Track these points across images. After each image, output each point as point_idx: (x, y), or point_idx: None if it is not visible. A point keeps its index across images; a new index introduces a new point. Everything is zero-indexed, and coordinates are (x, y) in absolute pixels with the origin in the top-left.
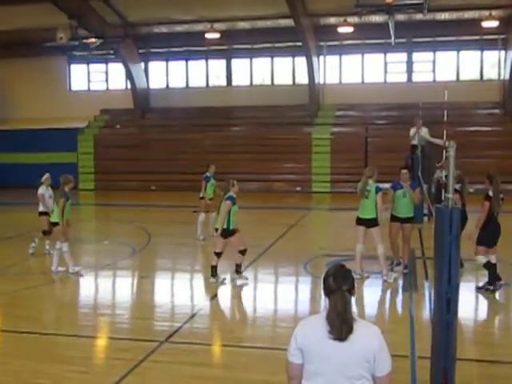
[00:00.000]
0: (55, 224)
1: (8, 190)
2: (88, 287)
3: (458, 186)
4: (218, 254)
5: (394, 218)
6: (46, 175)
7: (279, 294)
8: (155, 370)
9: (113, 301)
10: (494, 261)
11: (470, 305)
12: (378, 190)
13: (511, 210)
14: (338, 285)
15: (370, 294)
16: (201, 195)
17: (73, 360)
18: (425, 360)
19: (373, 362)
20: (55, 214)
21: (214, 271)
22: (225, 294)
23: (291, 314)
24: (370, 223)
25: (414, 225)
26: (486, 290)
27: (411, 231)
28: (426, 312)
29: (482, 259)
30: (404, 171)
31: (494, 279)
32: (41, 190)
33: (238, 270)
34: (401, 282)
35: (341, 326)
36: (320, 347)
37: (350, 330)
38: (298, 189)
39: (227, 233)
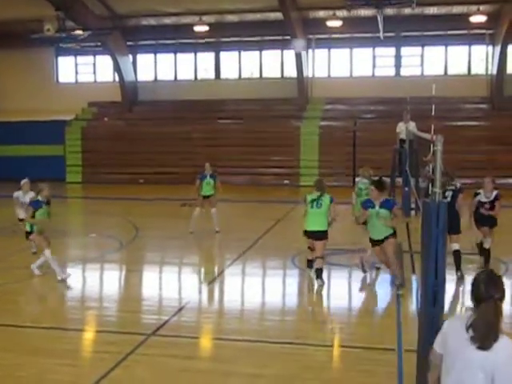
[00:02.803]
0: (28, 233)
1: None
2: (75, 280)
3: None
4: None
5: (371, 242)
6: (25, 180)
7: (267, 288)
8: (142, 363)
9: (100, 294)
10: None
11: (456, 298)
12: (331, 200)
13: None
14: (490, 293)
15: (357, 288)
16: (198, 193)
17: (60, 353)
18: (411, 353)
19: (500, 374)
20: (27, 223)
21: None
22: (212, 287)
23: (279, 307)
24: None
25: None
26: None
27: (395, 248)
28: (412, 306)
29: None
30: (372, 188)
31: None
32: (15, 194)
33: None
34: (389, 277)
35: (488, 335)
36: (460, 349)
37: (495, 340)
38: (286, 182)
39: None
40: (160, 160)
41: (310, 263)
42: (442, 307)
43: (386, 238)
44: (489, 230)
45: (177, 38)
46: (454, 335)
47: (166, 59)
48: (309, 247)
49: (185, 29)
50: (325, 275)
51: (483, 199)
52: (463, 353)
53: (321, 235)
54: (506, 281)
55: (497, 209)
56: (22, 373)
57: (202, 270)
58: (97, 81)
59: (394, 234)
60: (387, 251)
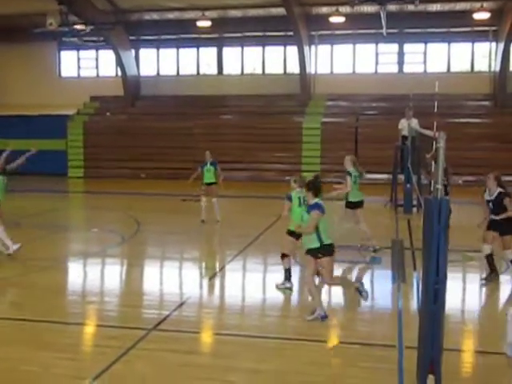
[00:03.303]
0: None
1: None
2: (77, 275)
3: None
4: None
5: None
6: None
7: (268, 283)
8: (143, 357)
9: (101, 288)
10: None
11: (458, 295)
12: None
13: None
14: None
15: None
16: (191, 180)
17: (61, 347)
18: (412, 350)
19: None
20: None
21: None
22: (213, 282)
23: (279, 303)
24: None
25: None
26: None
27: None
28: (413, 302)
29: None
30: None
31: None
32: None
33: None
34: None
35: None
36: None
37: None
38: (288, 178)
39: None
40: (162, 155)
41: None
42: (443, 304)
43: (309, 251)
44: (499, 237)
45: (179, 33)
46: None
47: (168, 54)
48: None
49: (187, 24)
50: None
51: (487, 197)
52: None
53: None
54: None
55: (504, 212)
56: (24, 366)
57: (203, 265)
58: (99, 75)
59: (320, 250)
60: (322, 273)
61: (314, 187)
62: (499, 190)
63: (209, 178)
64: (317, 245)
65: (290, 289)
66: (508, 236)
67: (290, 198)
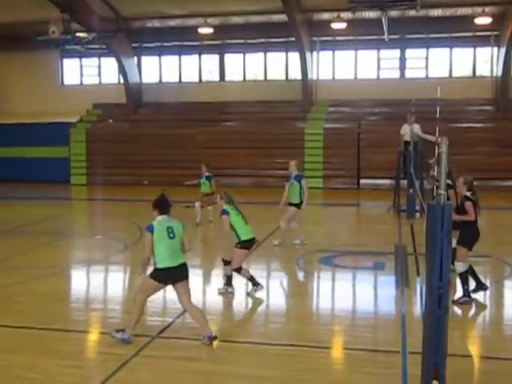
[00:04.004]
0: None
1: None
2: (80, 282)
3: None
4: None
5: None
6: None
7: (271, 290)
8: (147, 364)
9: (105, 296)
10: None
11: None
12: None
13: (505, 206)
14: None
15: (362, 290)
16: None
17: (65, 355)
18: (416, 355)
19: None
20: None
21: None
22: (216, 289)
23: (283, 309)
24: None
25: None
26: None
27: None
28: (417, 308)
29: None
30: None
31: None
32: None
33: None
34: (393, 278)
35: None
36: None
37: None
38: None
39: None
40: (164, 162)
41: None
42: (447, 309)
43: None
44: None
45: (181, 40)
46: None
47: (170, 61)
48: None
49: (189, 31)
50: (329, 276)
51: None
52: None
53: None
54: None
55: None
56: (28, 374)
57: (206, 271)
58: (102, 83)
59: (238, 243)
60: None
61: (158, 205)
62: (466, 193)
63: (205, 189)
64: (237, 240)
65: (232, 293)
66: (460, 246)
67: (227, 213)
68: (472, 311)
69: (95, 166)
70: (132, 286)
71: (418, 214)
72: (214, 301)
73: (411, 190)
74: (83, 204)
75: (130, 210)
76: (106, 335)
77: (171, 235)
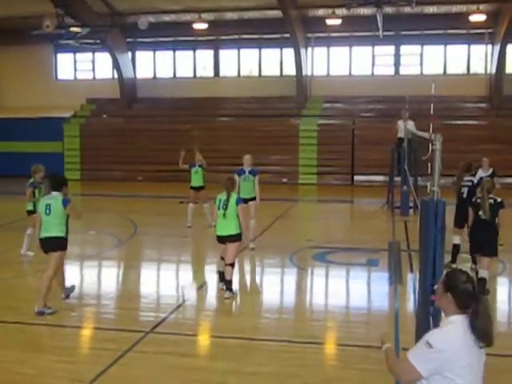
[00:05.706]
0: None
1: None
2: (74, 277)
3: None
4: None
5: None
6: None
7: (265, 286)
8: (140, 360)
9: (98, 291)
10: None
11: None
12: (238, 202)
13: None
14: (477, 289)
15: (356, 286)
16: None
17: (58, 350)
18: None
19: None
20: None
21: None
22: (210, 285)
23: (276, 305)
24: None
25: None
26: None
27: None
28: (410, 304)
29: None
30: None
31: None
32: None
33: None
34: (386, 275)
35: (491, 331)
36: (468, 358)
37: None
38: (285, 180)
39: None
40: (159, 157)
41: (221, 276)
42: None
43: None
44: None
45: (176, 36)
46: (463, 350)
47: (164, 56)
48: (221, 257)
49: (184, 26)
50: (323, 273)
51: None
52: (478, 358)
53: (233, 238)
54: (504, 280)
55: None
56: (21, 369)
57: (201, 267)
58: (96, 78)
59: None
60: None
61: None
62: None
63: (196, 180)
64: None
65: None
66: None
67: (242, 201)
68: None
69: (89, 162)
70: (126, 281)
71: (411, 211)
72: (208, 297)
73: (405, 187)
74: (77, 199)
75: (124, 205)
76: (100, 330)
77: (47, 211)
